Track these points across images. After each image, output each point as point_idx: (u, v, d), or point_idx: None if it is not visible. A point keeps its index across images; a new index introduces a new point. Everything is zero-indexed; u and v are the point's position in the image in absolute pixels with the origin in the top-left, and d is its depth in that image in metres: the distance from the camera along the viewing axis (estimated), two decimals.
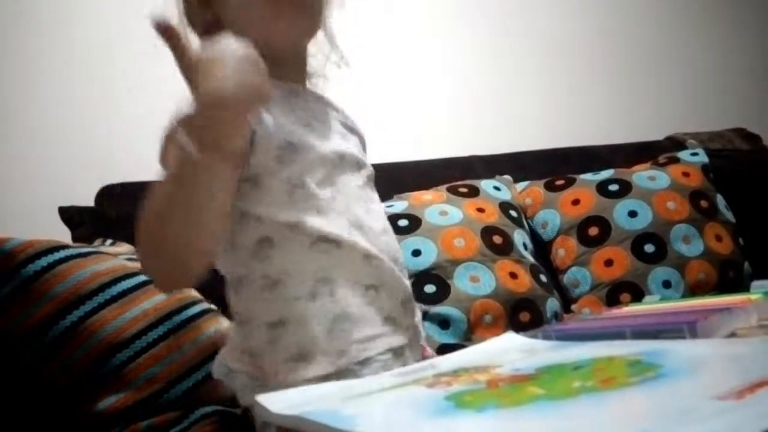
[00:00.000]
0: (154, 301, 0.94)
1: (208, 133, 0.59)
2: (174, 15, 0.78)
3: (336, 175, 0.75)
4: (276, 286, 0.71)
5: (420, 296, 1.24)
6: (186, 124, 0.59)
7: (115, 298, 0.91)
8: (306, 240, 0.71)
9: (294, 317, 0.71)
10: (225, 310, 0.90)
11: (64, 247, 0.94)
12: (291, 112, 0.74)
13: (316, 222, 0.71)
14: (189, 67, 0.59)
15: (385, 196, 1.40)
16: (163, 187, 0.62)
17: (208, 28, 0.77)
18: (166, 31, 0.58)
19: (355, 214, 0.74)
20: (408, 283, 0.80)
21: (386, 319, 0.75)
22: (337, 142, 0.78)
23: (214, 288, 0.83)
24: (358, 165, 0.79)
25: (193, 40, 0.74)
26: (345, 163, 0.77)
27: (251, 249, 0.72)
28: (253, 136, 0.68)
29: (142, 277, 0.96)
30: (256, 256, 0.72)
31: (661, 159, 1.62)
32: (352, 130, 0.84)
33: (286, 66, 0.78)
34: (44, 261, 0.90)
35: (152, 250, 0.64)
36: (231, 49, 0.59)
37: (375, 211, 0.79)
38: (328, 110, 0.81)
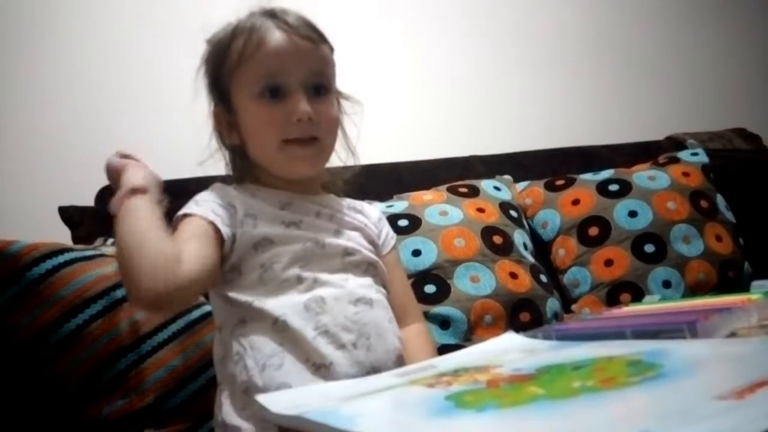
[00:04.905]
0: None
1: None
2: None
3: (312, 262, 0.84)
4: (242, 358, 0.79)
5: (420, 296, 1.24)
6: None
7: (119, 302, 0.91)
8: (269, 320, 0.79)
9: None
10: None
11: (68, 249, 0.94)
12: (276, 217, 0.86)
13: (274, 303, 0.79)
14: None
15: (385, 196, 1.41)
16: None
17: (233, 149, 0.92)
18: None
19: (320, 296, 0.81)
20: (389, 348, 0.83)
21: None
22: (321, 236, 0.87)
23: None
24: (343, 254, 0.87)
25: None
26: (326, 251, 0.85)
27: (231, 328, 0.82)
28: (234, 237, 0.82)
29: None
30: (233, 334, 0.81)
31: (661, 159, 1.62)
32: (356, 227, 0.92)
33: (301, 183, 0.90)
34: (49, 264, 0.89)
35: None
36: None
37: (350, 290, 0.84)
38: (326, 212, 0.91)
